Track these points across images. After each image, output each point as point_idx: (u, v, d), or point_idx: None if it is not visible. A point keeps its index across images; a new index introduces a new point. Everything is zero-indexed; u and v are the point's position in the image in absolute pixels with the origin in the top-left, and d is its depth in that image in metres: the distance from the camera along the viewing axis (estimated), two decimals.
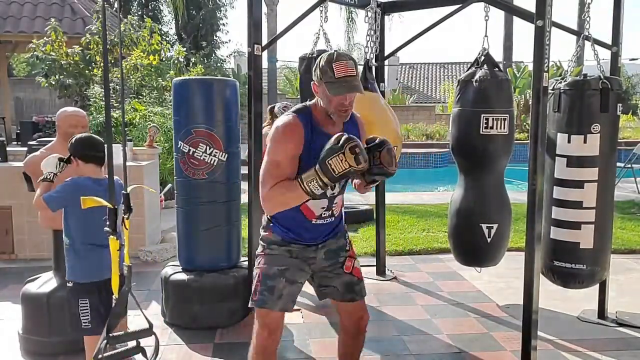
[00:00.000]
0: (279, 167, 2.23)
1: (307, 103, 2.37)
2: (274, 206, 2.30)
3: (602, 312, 3.96)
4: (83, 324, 2.72)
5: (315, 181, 2.11)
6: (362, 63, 3.96)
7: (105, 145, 2.24)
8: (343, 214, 2.53)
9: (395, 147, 3.49)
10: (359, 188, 2.47)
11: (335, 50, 2.27)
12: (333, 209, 2.42)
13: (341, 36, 24.81)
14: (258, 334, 2.40)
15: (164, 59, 10.57)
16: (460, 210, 3.95)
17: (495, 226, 3.84)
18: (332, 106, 2.24)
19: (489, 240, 3.85)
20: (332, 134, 2.20)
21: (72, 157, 2.79)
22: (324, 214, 2.39)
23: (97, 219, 2.40)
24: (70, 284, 2.76)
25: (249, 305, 2.44)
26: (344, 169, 2.07)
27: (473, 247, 3.95)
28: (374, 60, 4.14)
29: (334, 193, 2.37)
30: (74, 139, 2.82)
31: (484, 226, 3.84)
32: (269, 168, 2.26)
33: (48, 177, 2.80)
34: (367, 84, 3.64)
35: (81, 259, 2.72)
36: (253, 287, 2.42)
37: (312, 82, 2.31)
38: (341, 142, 2.08)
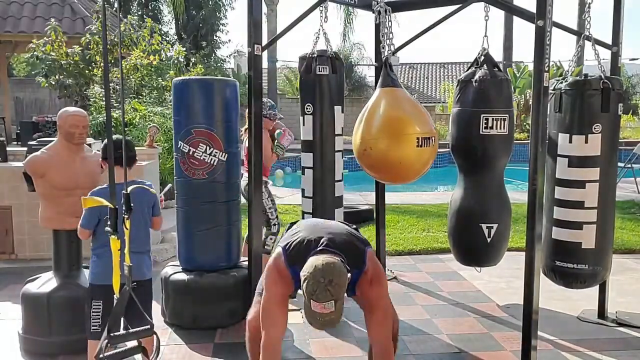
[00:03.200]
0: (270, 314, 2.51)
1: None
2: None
3: (602, 312, 3.96)
4: (92, 327, 2.73)
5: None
6: (373, 63, 3.93)
7: (107, 145, 2.24)
8: None
9: (433, 138, 3.49)
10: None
11: (322, 277, 2.24)
12: None
13: (338, 37, 24.70)
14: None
15: (164, 59, 10.56)
16: (460, 210, 3.95)
17: (495, 226, 3.84)
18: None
19: (488, 240, 3.84)
20: None
21: (102, 160, 2.93)
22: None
23: None
24: (88, 286, 2.79)
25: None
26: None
27: (473, 247, 3.95)
28: (391, 58, 4.13)
29: None
30: (105, 142, 2.88)
31: (483, 226, 3.84)
32: (263, 312, 2.54)
33: None
34: (390, 81, 3.63)
35: (98, 260, 2.75)
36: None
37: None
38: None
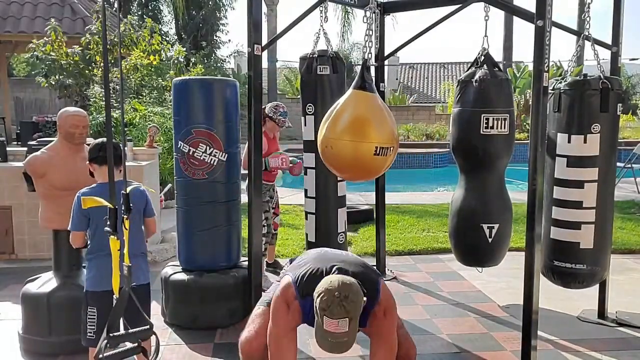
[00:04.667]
0: (279, 345, 2.45)
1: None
2: None
3: (602, 312, 3.96)
4: (88, 334, 2.72)
5: None
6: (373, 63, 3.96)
7: (106, 146, 2.24)
8: None
9: (392, 148, 3.49)
10: None
11: (338, 291, 2.17)
12: None
13: (336, 37, 24.71)
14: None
15: (164, 59, 10.56)
16: (461, 210, 3.95)
17: (496, 226, 3.84)
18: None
19: (490, 240, 3.84)
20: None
21: (89, 162, 2.84)
22: None
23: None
24: (84, 291, 2.77)
25: None
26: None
27: (474, 247, 3.94)
28: (372, 60, 4.14)
29: None
30: (92, 144, 2.84)
31: (485, 226, 3.83)
32: (271, 343, 2.49)
33: None
34: (364, 83, 3.63)
35: (92, 266, 2.73)
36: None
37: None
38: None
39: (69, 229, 2.77)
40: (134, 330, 2.27)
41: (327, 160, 3.55)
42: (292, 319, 2.41)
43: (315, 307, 2.20)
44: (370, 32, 3.71)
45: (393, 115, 3.51)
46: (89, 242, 2.77)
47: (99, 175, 2.79)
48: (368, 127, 3.37)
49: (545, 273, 3.69)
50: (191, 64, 15.03)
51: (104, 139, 2.81)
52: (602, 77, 3.50)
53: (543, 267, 3.67)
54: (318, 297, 2.19)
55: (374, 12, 3.85)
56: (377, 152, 3.30)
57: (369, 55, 3.71)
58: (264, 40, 3.72)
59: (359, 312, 2.21)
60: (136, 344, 2.25)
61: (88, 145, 3.74)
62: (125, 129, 7.59)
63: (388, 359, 2.47)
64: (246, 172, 3.86)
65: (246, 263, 3.98)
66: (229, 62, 23.54)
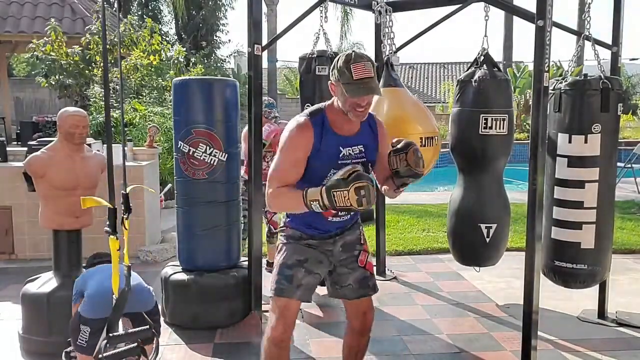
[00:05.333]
0: (285, 170, 2.28)
1: (323, 104, 2.38)
2: (276, 207, 2.40)
3: (602, 312, 3.95)
4: (78, 341, 2.71)
5: (317, 202, 2.13)
6: (377, 62, 3.95)
7: (105, 145, 2.24)
8: (357, 214, 2.51)
9: (436, 137, 3.49)
10: (388, 193, 2.47)
11: (353, 50, 2.26)
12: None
13: (335, 37, 24.69)
14: (274, 327, 2.39)
15: (164, 59, 10.56)
16: (459, 210, 3.95)
17: (494, 226, 3.84)
18: (348, 106, 2.23)
19: (487, 240, 3.85)
20: (345, 134, 2.29)
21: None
22: (341, 212, 2.37)
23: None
24: (78, 312, 2.76)
25: (270, 295, 2.44)
26: (345, 205, 2.09)
27: (472, 247, 3.95)
28: (391, 58, 4.14)
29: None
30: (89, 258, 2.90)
31: (482, 226, 3.84)
32: (276, 169, 2.30)
33: None
34: (392, 81, 3.64)
35: (90, 297, 2.72)
36: (272, 278, 2.45)
37: (329, 82, 2.32)
38: (350, 178, 2.07)
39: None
40: (134, 330, 2.27)
41: None
42: (300, 153, 2.26)
43: (338, 73, 2.21)
44: (387, 30, 3.72)
45: None
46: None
47: None
48: (407, 122, 3.39)
49: (546, 273, 3.69)
50: (191, 64, 15.03)
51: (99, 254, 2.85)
52: (602, 77, 3.50)
53: (544, 267, 3.67)
54: (337, 62, 2.23)
55: (386, 10, 3.85)
56: (423, 142, 3.31)
57: (390, 52, 3.73)
58: (264, 40, 3.73)
59: (375, 69, 2.25)
60: (135, 344, 2.25)
61: (88, 145, 3.76)
62: (125, 129, 7.59)
63: (386, 159, 2.43)
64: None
65: (246, 263, 3.98)
66: (229, 62, 23.51)
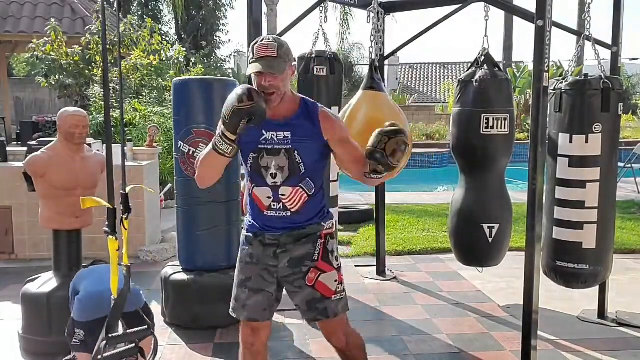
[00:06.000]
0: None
1: None
2: (197, 168, 2.35)
3: (602, 312, 3.95)
4: (73, 342, 2.71)
5: (218, 134, 2.15)
6: (367, 63, 3.97)
7: (105, 145, 2.23)
8: (314, 217, 2.34)
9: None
10: (362, 178, 2.32)
11: (267, 35, 2.26)
12: (284, 202, 2.27)
13: (335, 37, 24.74)
14: (242, 333, 2.44)
15: (164, 59, 10.56)
16: (461, 210, 3.95)
17: (496, 226, 3.84)
18: (256, 87, 2.18)
19: (490, 240, 3.84)
20: (269, 118, 2.19)
21: None
22: (273, 205, 2.28)
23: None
24: (72, 317, 2.77)
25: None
26: (227, 108, 2.07)
27: (474, 247, 3.95)
28: (378, 60, 4.15)
29: (275, 182, 2.25)
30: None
31: (485, 226, 3.83)
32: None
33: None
34: (373, 83, 3.64)
35: (80, 301, 2.72)
36: None
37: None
38: (240, 88, 2.11)
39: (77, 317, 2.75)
40: (132, 330, 2.27)
41: None
42: None
43: (248, 53, 2.26)
44: (375, 32, 3.72)
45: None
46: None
47: None
48: (381, 126, 3.37)
49: (548, 273, 3.69)
50: (191, 64, 15.03)
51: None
52: (603, 77, 3.50)
53: (545, 267, 3.66)
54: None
55: (378, 12, 3.85)
56: None
57: (376, 55, 3.73)
58: None
59: (287, 54, 2.20)
60: (134, 344, 2.25)
61: (88, 145, 3.76)
62: (125, 129, 7.59)
63: (359, 153, 2.30)
64: None
65: None
66: (229, 62, 23.55)
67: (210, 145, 2.20)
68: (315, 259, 2.30)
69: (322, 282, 2.30)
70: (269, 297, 2.37)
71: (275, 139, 2.23)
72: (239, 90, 2.09)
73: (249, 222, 2.39)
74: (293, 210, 2.28)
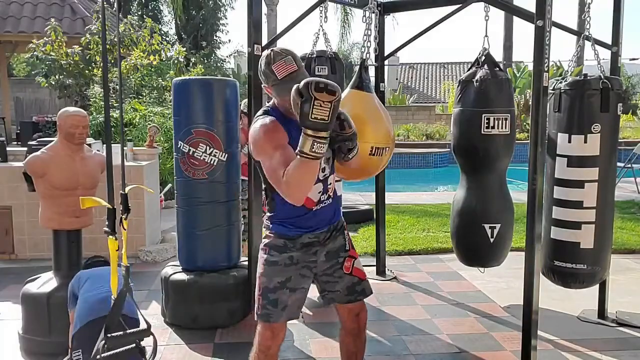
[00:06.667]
0: (281, 154, 2.14)
1: (268, 104, 2.38)
2: (296, 188, 2.12)
3: (602, 312, 3.95)
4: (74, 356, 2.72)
5: (312, 142, 1.96)
6: (373, 63, 3.97)
7: (105, 145, 2.24)
8: (340, 200, 2.45)
9: (387, 148, 3.49)
10: (340, 163, 2.40)
11: (272, 50, 2.23)
12: (328, 190, 2.41)
13: (335, 37, 24.71)
14: (262, 337, 2.40)
15: (164, 59, 10.56)
16: (462, 211, 3.94)
17: (497, 226, 3.83)
18: (287, 103, 2.14)
19: (491, 240, 3.84)
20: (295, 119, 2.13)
21: None
22: (322, 197, 2.37)
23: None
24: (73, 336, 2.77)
25: (255, 319, 2.43)
26: (327, 108, 1.92)
27: (476, 248, 3.94)
28: (372, 60, 4.15)
29: (325, 174, 2.35)
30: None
31: (486, 226, 3.83)
32: (272, 162, 2.16)
33: None
34: (361, 83, 3.64)
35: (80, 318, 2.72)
36: (255, 298, 2.42)
37: (263, 85, 2.33)
38: (304, 90, 1.93)
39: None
40: (132, 330, 2.27)
41: None
42: (280, 135, 2.19)
43: (264, 76, 2.23)
44: (369, 32, 3.72)
45: (392, 116, 3.51)
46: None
47: None
48: (363, 127, 3.36)
49: (546, 273, 3.69)
50: (191, 64, 15.03)
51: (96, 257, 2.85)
52: (602, 77, 3.50)
53: (543, 267, 3.66)
54: (260, 66, 2.25)
55: (374, 12, 3.85)
56: (373, 152, 3.29)
57: (367, 55, 3.72)
58: (264, 40, 3.72)
59: (300, 60, 2.24)
60: (134, 345, 2.25)
61: (88, 145, 3.76)
62: (125, 129, 7.60)
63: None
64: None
65: (246, 263, 3.98)
66: (229, 62, 23.56)
67: (300, 159, 2.01)
68: (347, 248, 2.51)
69: (357, 267, 2.52)
70: (305, 293, 2.46)
71: None
72: (319, 85, 1.92)
73: (288, 226, 2.37)
74: (333, 195, 2.43)
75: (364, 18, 3.79)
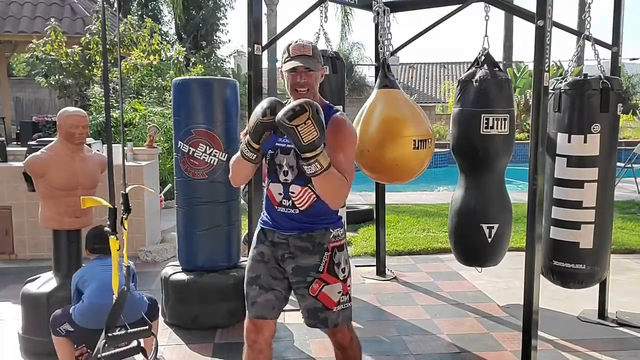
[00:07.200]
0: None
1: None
2: (230, 173, 2.47)
3: (602, 312, 3.95)
4: (58, 329, 2.76)
5: (243, 143, 2.22)
6: (373, 63, 3.96)
7: (105, 145, 2.24)
8: (323, 221, 2.34)
9: (430, 140, 3.48)
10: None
11: (299, 39, 2.34)
12: (293, 199, 2.31)
13: (335, 37, 24.70)
14: (245, 329, 2.44)
15: (164, 59, 10.56)
16: (460, 210, 3.95)
17: (495, 226, 3.84)
18: (290, 86, 2.28)
19: (489, 240, 3.84)
20: None
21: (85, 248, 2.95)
22: (284, 201, 2.33)
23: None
24: (70, 313, 2.80)
25: None
26: (310, 126, 2.02)
27: (474, 247, 3.95)
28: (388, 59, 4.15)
29: (286, 179, 2.31)
30: (88, 234, 2.93)
31: (484, 226, 3.83)
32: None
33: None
34: (388, 82, 3.64)
35: (83, 309, 2.76)
36: None
37: (280, 71, 2.39)
38: (283, 128, 2.06)
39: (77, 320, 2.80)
40: (133, 330, 2.27)
41: (366, 165, 3.50)
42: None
43: (282, 57, 2.32)
44: (384, 31, 3.73)
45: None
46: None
47: (89, 256, 2.90)
48: (401, 123, 3.37)
49: (545, 273, 3.69)
50: (191, 64, 15.02)
51: (95, 230, 2.86)
52: (602, 77, 3.50)
53: (543, 267, 3.66)
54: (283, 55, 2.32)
55: (383, 11, 3.85)
56: (416, 145, 3.29)
57: (387, 53, 3.73)
58: (264, 40, 3.72)
59: (319, 55, 2.31)
60: (136, 344, 2.25)
61: (88, 145, 3.76)
62: (125, 129, 7.60)
63: (341, 168, 2.19)
64: None
65: (246, 263, 3.97)
66: (229, 62, 23.53)
67: (238, 151, 2.29)
68: (321, 270, 2.33)
69: (325, 293, 2.33)
70: (279, 295, 2.40)
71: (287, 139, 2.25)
72: (264, 103, 2.15)
73: (264, 216, 2.45)
74: (302, 209, 2.31)
75: (375, 18, 3.80)
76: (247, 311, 2.42)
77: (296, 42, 2.31)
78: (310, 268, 2.33)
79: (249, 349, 2.42)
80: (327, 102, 2.41)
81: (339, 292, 2.36)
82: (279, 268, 2.39)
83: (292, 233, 2.34)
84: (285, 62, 2.28)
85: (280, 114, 2.05)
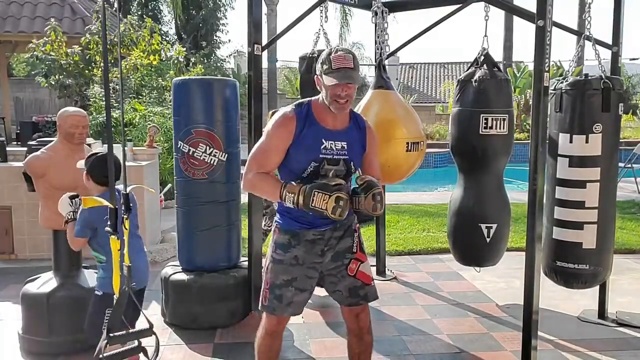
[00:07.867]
0: (265, 155, 2.36)
1: (310, 98, 2.44)
2: (250, 188, 2.46)
3: (602, 312, 3.95)
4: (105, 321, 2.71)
5: (293, 196, 2.21)
6: (373, 63, 3.97)
7: (106, 145, 2.23)
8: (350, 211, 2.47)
9: (422, 142, 3.48)
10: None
11: (337, 46, 2.34)
12: None
13: (335, 37, 24.71)
14: (268, 323, 2.50)
15: (164, 59, 10.56)
16: (459, 210, 3.95)
17: (494, 226, 3.84)
18: (330, 97, 2.29)
19: (488, 240, 3.84)
20: (329, 127, 2.34)
21: (87, 173, 2.83)
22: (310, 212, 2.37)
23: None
24: (99, 293, 2.77)
25: (259, 309, 2.53)
26: (320, 207, 2.17)
27: (472, 247, 3.95)
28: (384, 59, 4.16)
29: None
30: (94, 157, 2.82)
31: (483, 226, 3.83)
32: (257, 154, 2.39)
33: (69, 218, 2.84)
34: (383, 83, 3.64)
35: (110, 269, 2.70)
36: (262, 291, 2.50)
37: (315, 76, 2.37)
38: (335, 187, 2.18)
39: (74, 233, 2.77)
40: (134, 330, 2.27)
41: None
42: (280, 141, 2.35)
43: (321, 65, 2.30)
44: (381, 32, 3.73)
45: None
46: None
47: (93, 189, 2.82)
48: (395, 125, 3.37)
49: (548, 273, 3.69)
50: (191, 64, 15.03)
51: (101, 156, 2.83)
52: (603, 77, 3.50)
53: (545, 268, 3.66)
54: (321, 56, 2.32)
55: (382, 11, 3.86)
56: (409, 147, 3.29)
57: (383, 54, 3.74)
58: (264, 40, 3.72)
59: (359, 65, 2.33)
60: (137, 344, 2.25)
61: (88, 145, 3.76)
62: (125, 129, 7.59)
63: (376, 173, 2.47)
64: None
65: (246, 263, 3.98)
66: (229, 62, 23.53)
67: (276, 189, 2.28)
68: (355, 250, 2.51)
69: (362, 271, 2.52)
70: (311, 292, 2.54)
71: (334, 148, 2.35)
72: (339, 201, 2.16)
73: (291, 220, 2.44)
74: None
75: (374, 19, 3.81)
76: (275, 309, 2.46)
77: (337, 52, 2.27)
78: (345, 250, 2.49)
79: (268, 337, 2.52)
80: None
81: (369, 268, 2.57)
82: (315, 265, 2.47)
83: (327, 227, 2.44)
84: (326, 74, 2.26)
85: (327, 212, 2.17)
